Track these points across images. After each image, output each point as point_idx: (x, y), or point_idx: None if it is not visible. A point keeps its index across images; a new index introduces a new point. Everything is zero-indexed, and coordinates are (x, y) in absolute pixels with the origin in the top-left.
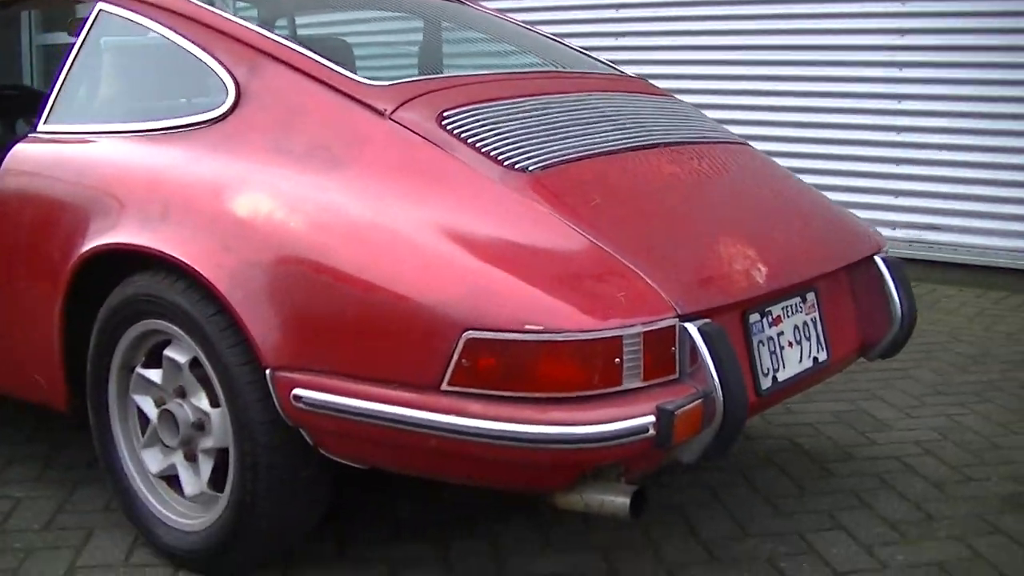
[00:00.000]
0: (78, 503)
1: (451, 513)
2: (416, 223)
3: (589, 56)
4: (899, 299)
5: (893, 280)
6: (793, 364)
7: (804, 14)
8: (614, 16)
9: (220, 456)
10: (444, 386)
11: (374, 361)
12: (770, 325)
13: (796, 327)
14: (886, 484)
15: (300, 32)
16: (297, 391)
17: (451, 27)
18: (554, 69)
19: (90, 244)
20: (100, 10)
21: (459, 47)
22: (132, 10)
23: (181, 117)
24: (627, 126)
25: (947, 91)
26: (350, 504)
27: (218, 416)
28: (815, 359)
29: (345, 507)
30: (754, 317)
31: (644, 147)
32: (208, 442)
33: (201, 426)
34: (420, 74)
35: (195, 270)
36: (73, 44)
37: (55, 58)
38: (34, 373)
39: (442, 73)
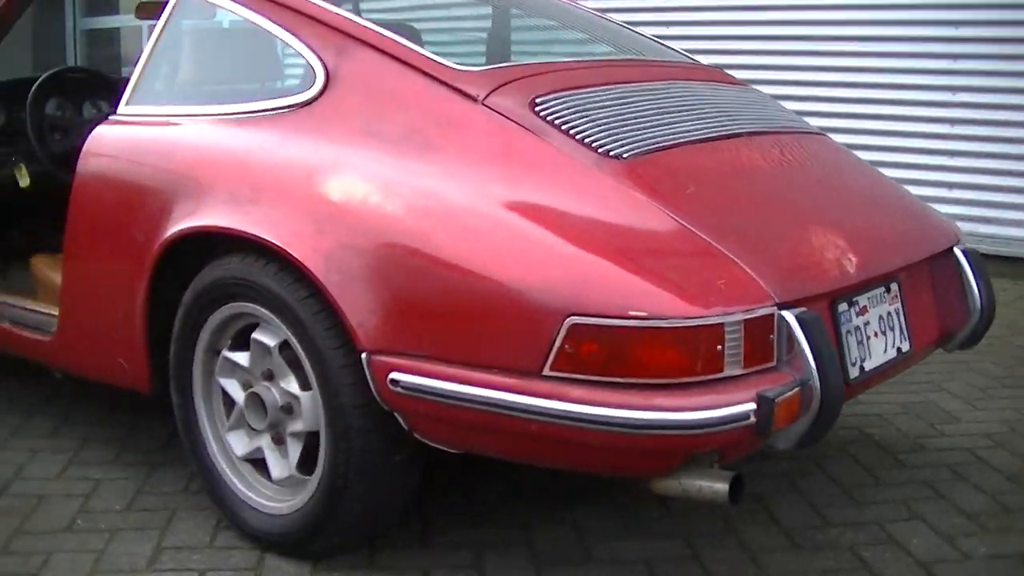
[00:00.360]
0: (157, 485)
1: (533, 497)
2: (514, 208)
3: (664, 44)
4: (978, 290)
5: (973, 271)
6: (878, 354)
7: (857, 4)
8: (662, 4)
9: (309, 439)
10: (546, 371)
11: (473, 346)
12: (857, 315)
13: (881, 317)
14: (959, 476)
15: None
16: (394, 375)
17: (520, 14)
18: (636, 57)
19: (176, 227)
20: None
21: (528, 34)
22: None
23: (268, 100)
24: (712, 115)
25: (1002, 83)
26: (434, 487)
27: (308, 399)
28: (899, 349)
29: (429, 490)
30: (842, 307)
31: (729, 136)
32: (297, 425)
33: (290, 409)
34: (489, 61)
35: (288, 253)
36: (154, 27)
37: (97, 42)
38: (117, 356)
39: (511, 60)
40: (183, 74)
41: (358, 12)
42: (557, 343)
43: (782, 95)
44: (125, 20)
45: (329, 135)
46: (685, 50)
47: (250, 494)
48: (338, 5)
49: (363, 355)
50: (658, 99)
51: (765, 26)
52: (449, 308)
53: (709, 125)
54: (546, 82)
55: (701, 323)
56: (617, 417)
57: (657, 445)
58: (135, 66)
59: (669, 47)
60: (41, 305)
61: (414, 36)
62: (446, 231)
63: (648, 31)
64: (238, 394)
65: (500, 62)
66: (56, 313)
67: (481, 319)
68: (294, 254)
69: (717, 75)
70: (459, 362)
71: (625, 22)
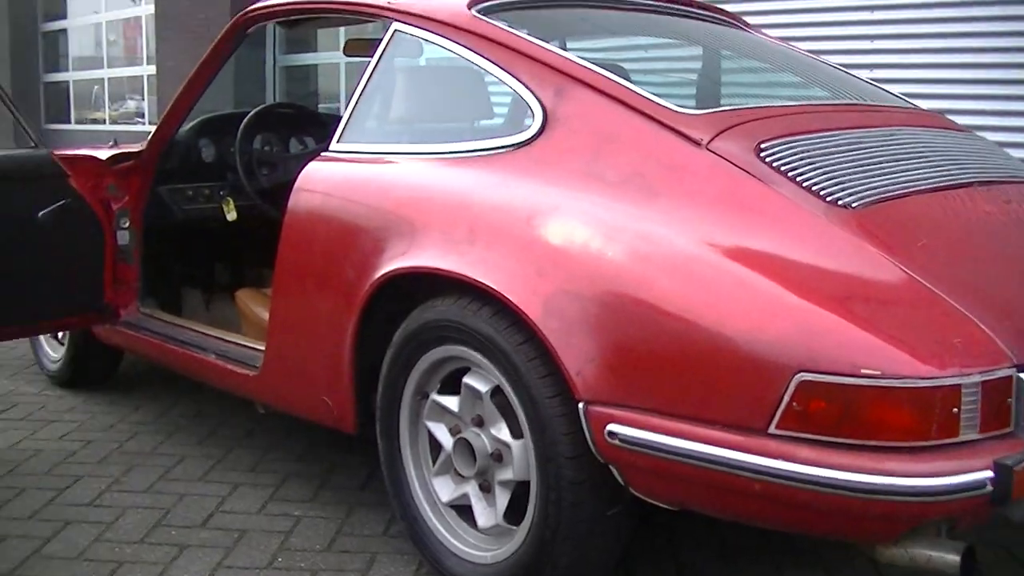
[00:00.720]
0: (357, 526)
1: (739, 557)
2: (739, 257)
3: (881, 88)
4: None
5: None
6: None
7: None
8: (868, 18)
9: (517, 488)
10: (772, 429)
11: (695, 399)
12: None
13: None
14: None
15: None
16: (612, 427)
17: (731, 55)
18: (857, 102)
19: (388, 266)
20: (395, 30)
21: (741, 76)
22: (429, 31)
23: (485, 140)
24: (940, 163)
25: None
26: (639, 543)
27: (520, 448)
28: None
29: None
30: None
31: (959, 185)
32: (506, 474)
33: (500, 457)
34: (700, 103)
35: (505, 296)
36: (367, 65)
37: (295, 78)
38: (323, 394)
39: (723, 102)
40: (395, 111)
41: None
42: (785, 400)
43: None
44: (322, 57)
45: (548, 177)
46: (903, 94)
47: (454, 541)
48: (547, 43)
49: (580, 405)
50: (884, 146)
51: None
52: (670, 359)
53: (938, 173)
54: (771, 127)
55: (937, 384)
56: (846, 480)
57: (886, 511)
58: (346, 103)
59: (887, 91)
60: (246, 339)
61: (626, 76)
62: (669, 279)
63: (859, 73)
64: (446, 439)
65: (713, 105)
66: (261, 348)
67: (704, 371)
68: (511, 298)
69: (940, 120)
70: (680, 415)
71: (839, 64)
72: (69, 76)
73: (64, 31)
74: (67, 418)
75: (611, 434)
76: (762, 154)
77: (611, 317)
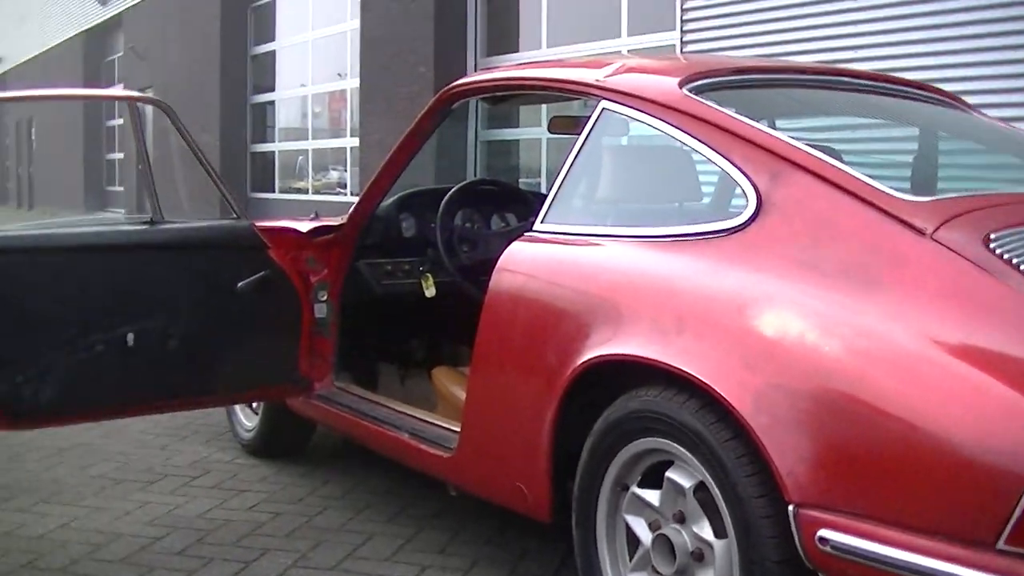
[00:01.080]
0: None
1: None
2: (967, 356)
3: None
4: None
5: None
6: None
7: None
8: None
9: None
10: (1000, 544)
11: (915, 507)
12: None
13: None
14: None
15: None
16: (823, 532)
17: (947, 136)
18: None
19: (592, 353)
20: (603, 109)
21: (959, 159)
22: (639, 110)
23: (694, 223)
24: None
25: None
26: None
27: (723, 548)
28: None
29: None
30: None
31: None
32: (707, 574)
33: (700, 556)
34: (916, 188)
35: (713, 389)
36: (574, 143)
37: (497, 153)
38: (518, 480)
39: (940, 187)
40: (602, 191)
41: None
42: (1016, 513)
43: None
44: (524, 133)
45: (760, 264)
46: None
47: None
48: (757, 123)
49: (790, 507)
50: None
51: None
52: (890, 462)
53: None
54: (999, 216)
55: None
56: None
57: None
58: (550, 181)
59: None
60: (441, 419)
61: (839, 158)
62: (890, 377)
63: None
64: (645, 534)
65: (930, 189)
66: (456, 428)
67: (926, 478)
68: (720, 391)
69: None
70: (897, 523)
71: None
72: (275, 147)
73: (272, 103)
74: (258, 488)
75: (822, 540)
76: (991, 245)
77: (825, 415)
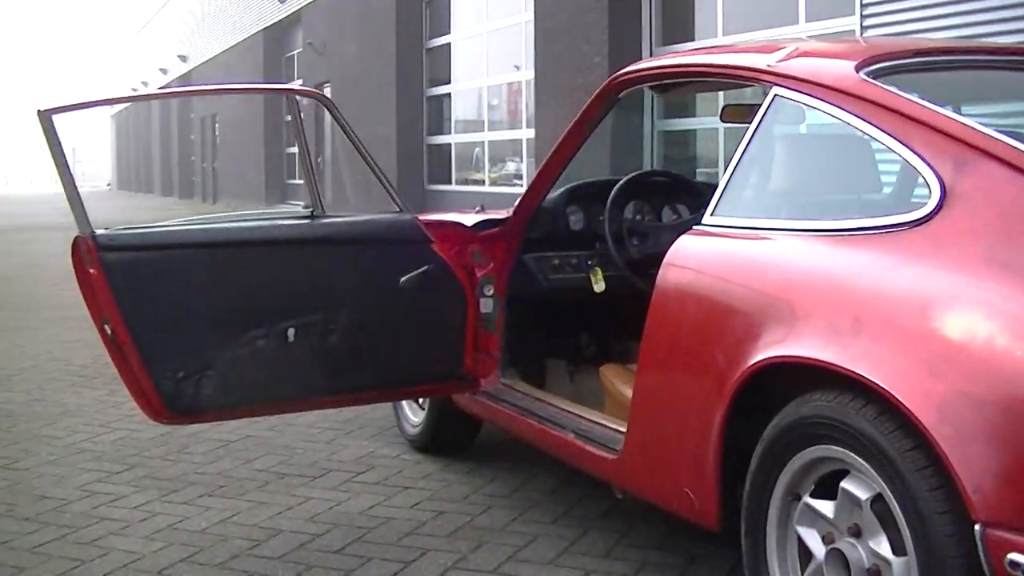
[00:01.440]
0: None
1: None
2: None
3: None
4: None
5: None
6: None
7: None
8: None
9: None
10: None
11: None
12: None
13: None
14: None
15: None
16: (1014, 556)
17: None
18: None
19: (762, 354)
20: (775, 95)
21: None
22: (814, 96)
23: (873, 217)
24: None
25: None
26: None
27: (901, 567)
28: None
29: None
30: None
31: None
32: None
33: (877, 573)
34: None
35: (893, 396)
36: (745, 133)
37: (673, 144)
38: (684, 485)
39: None
40: (774, 183)
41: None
42: None
43: None
44: (701, 123)
45: (945, 261)
46: None
47: None
48: (941, 108)
49: (976, 527)
50: None
51: None
52: None
53: None
54: None
55: None
56: None
57: None
58: (722, 173)
59: None
60: (608, 419)
61: None
62: None
63: None
64: (818, 547)
65: None
66: (623, 429)
67: None
68: (900, 398)
69: None
70: None
71: None
72: (451, 139)
73: (448, 95)
74: (421, 485)
75: (1013, 564)
76: None
77: (1017, 426)
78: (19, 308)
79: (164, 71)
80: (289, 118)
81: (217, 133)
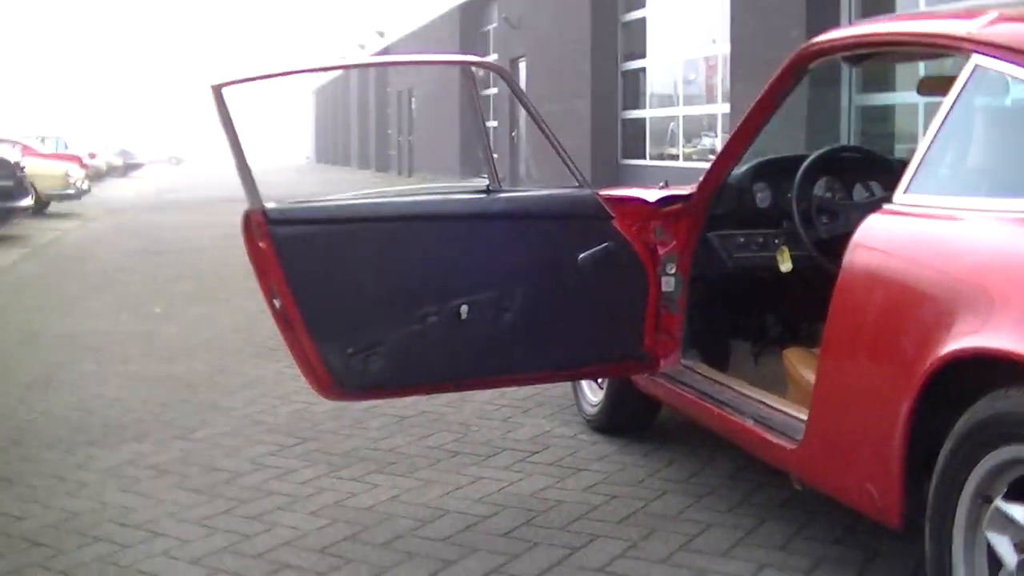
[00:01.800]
0: None
1: None
2: None
3: None
4: None
5: None
6: None
7: None
8: None
9: None
10: None
11: None
12: None
13: None
14: None
15: None
16: None
17: None
18: None
19: (954, 344)
20: (976, 66)
21: None
22: (1019, 65)
23: None
24: None
25: None
26: None
27: None
28: None
29: None
30: None
31: None
32: None
33: None
34: None
35: None
36: (941, 106)
37: (872, 119)
38: (866, 480)
39: None
40: (972, 160)
41: None
42: None
43: None
44: (901, 97)
45: None
46: None
47: None
48: None
49: None
50: None
51: None
52: None
53: None
54: None
55: None
56: None
57: None
58: (915, 149)
59: None
60: (789, 405)
61: None
62: None
63: None
64: (1009, 555)
65: None
66: (804, 417)
67: None
68: None
69: None
70: None
71: None
72: (646, 113)
73: (643, 70)
74: (596, 467)
75: None
76: None
77: None
78: (211, 278)
79: (362, 47)
80: (486, 92)
81: (413, 107)
